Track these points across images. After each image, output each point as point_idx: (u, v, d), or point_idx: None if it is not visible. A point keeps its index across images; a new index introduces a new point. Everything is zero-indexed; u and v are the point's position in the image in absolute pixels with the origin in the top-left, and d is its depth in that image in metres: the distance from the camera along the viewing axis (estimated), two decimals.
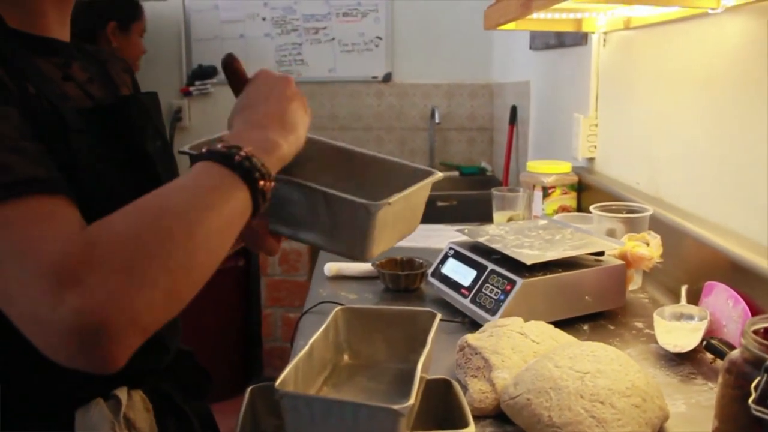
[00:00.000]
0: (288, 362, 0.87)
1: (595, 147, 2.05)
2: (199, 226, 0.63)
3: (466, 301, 1.31)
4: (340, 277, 1.61)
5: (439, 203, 2.86)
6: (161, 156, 0.93)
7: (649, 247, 1.38)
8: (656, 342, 1.18)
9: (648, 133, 1.69)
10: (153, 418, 0.87)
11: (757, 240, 1.22)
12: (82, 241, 0.60)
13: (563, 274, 1.26)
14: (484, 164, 3.63)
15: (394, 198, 0.81)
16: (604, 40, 1.97)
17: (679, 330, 1.15)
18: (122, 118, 0.87)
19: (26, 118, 0.71)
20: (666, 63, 1.59)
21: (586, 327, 1.29)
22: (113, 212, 0.63)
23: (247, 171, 0.68)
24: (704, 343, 1.12)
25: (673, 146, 1.56)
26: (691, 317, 1.17)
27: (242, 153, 0.68)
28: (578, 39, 2.17)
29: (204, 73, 3.58)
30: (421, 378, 0.83)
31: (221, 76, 3.61)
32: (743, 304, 1.12)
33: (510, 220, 1.81)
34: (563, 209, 1.93)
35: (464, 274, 1.36)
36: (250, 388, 0.96)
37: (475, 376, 1.01)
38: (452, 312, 1.35)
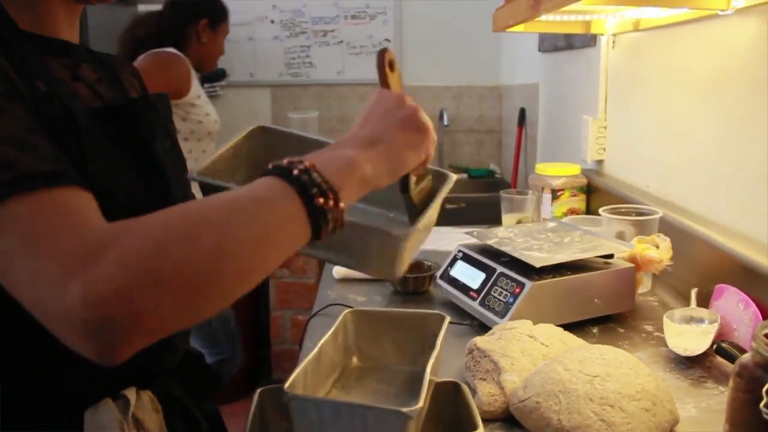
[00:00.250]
0: (297, 365, 0.87)
1: (604, 149, 2.05)
2: (231, 235, 0.59)
3: (475, 304, 1.30)
4: (348, 280, 1.61)
5: (448, 206, 2.86)
6: (170, 156, 0.93)
7: (658, 250, 1.37)
8: (666, 345, 1.17)
9: (657, 135, 1.69)
10: (162, 419, 0.87)
11: None
12: (103, 232, 0.59)
13: (572, 276, 1.26)
14: (492, 166, 3.62)
15: (422, 221, 0.80)
16: (613, 42, 1.97)
17: (689, 333, 1.15)
18: (131, 119, 0.87)
19: (35, 114, 0.71)
20: (675, 65, 1.59)
21: (595, 330, 1.28)
22: (123, 213, 0.62)
23: (303, 185, 0.63)
24: (715, 346, 1.11)
25: (682, 148, 1.56)
26: (701, 320, 1.16)
27: (302, 166, 0.64)
28: (587, 41, 2.17)
29: (213, 75, 3.59)
30: (430, 381, 0.83)
31: (230, 78, 3.68)
32: (754, 307, 1.11)
33: (519, 222, 1.81)
34: (572, 212, 1.93)
35: (473, 277, 1.36)
36: (258, 390, 0.96)
37: (484, 379, 1.01)
38: (461, 315, 1.35)
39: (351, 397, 0.93)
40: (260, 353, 3.33)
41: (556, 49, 2.57)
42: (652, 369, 1.05)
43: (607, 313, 1.31)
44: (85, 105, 0.83)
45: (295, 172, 0.64)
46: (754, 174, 1.26)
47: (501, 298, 1.25)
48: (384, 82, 0.84)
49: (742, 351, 1.06)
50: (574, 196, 1.94)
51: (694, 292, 1.25)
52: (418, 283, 1.51)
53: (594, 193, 1.97)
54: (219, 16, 2.48)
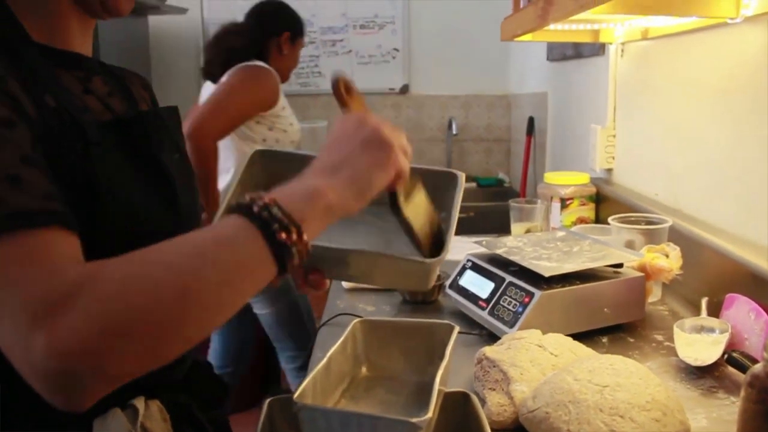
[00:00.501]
0: (306, 374, 0.87)
1: (613, 158, 2.04)
2: (195, 280, 0.60)
3: (484, 314, 1.30)
4: (357, 289, 1.61)
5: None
6: (178, 168, 0.93)
7: (668, 259, 1.37)
8: (676, 355, 1.17)
9: (667, 143, 1.68)
10: (170, 429, 0.87)
11: None
12: (70, 280, 0.59)
13: (582, 286, 1.25)
14: (501, 175, 3.62)
15: (448, 245, 0.82)
16: (622, 51, 1.97)
17: (699, 343, 1.14)
18: (140, 131, 0.88)
19: (36, 134, 0.71)
20: (685, 73, 1.59)
21: (605, 339, 1.28)
22: (131, 225, 0.63)
23: (264, 222, 0.63)
24: (726, 356, 1.10)
25: (692, 157, 1.55)
26: (711, 330, 1.16)
27: (261, 202, 0.64)
28: (596, 50, 2.17)
29: None
30: (439, 391, 0.83)
31: None
32: (765, 316, 1.11)
33: (528, 231, 1.81)
34: (581, 221, 1.92)
35: (482, 286, 1.35)
36: (268, 400, 0.96)
37: (494, 389, 1.00)
38: (470, 324, 1.35)
39: (360, 407, 0.93)
40: (270, 362, 3.32)
41: (564, 58, 2.57)
42: (663, 379, 1.04)
43: (617, 323, 1.30)
44: (95, 118, 0.84)
45: (255, 209, 0.64)
46: (763, 182, 1.25)
47: (510, 307, 1.25)
48: (344, 107, 0.84)
49: (754, 361, 1.05)
50: (583, 205, 1.94)
51: (704, 302, 1.24)
52: (427, 293, 1.51)
53: (603, 202, 1.96)
54: (299, 30, 2.57)
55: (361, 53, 3.61)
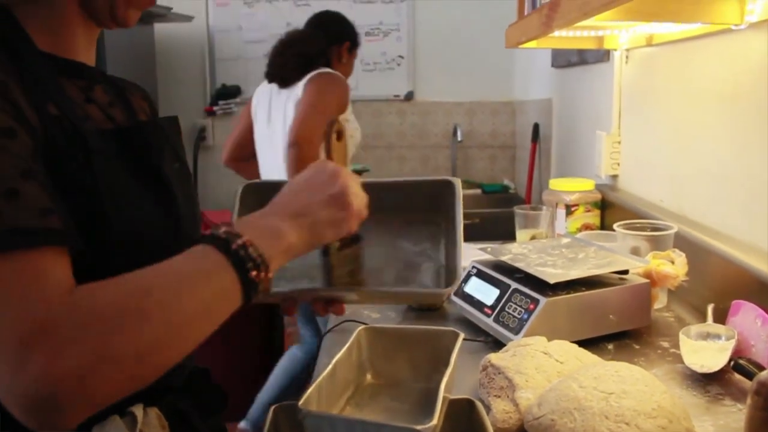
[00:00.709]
0: (311, 381, 0.87)
1: (618, 164, 2.04)
2: (177, 310, 0.65)
3: (489, 320, 1.30)
4: None
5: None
6: (178, 178, 0.94)
7: (674, 266, 1.36)
8: (682, 362, 1.16)
9: (672, 149, 1.68)
10: None
11: None
12: (60, 307, 0.61)
13: (587, 292, 1.25)
14: (506, 182, 3.62)
15: (459, 276, 0.88)
16: (627, 57, 1.97)
17: (705, 350, 1.14)
18: (140, 140, 0.89)
19: (37, 143, 0.72)
20: (690, 79, 1.58)
21: (610, 346, 1.27)
22: (133, 235, 0.66)
23: (240, 260, 0.69)
24: (732, 363, 1.10)
25: (697, 163, 1.55)
26: (718, 337, 1.15)
27: (240, 241, 0.69)
28: (600, 56, 2.17)
29: (228, 92, 3.62)
30: (444, 398, 0.83)
31: (245, 95, 3.71)
32: None
33: (533, 238, 1.81)
34: (586, 227, 1.92)
35: (487, 293, 1.35)
36: (273, 407, 0.96)
37: (499, 396, 1.00)
38: (475, 331, 1.34)
39: (365, 414, 0.93)
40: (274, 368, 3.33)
41: (569, 65, 2.58)
42: (669, 386, 1.04)
43: (623, 330, 1.30)
44: (96, 127, 0.85)
45: (234, 246, 0.69)
46: None
47: (515, 314, 1.25)
48: (328, 150, 0.90)
49: (760, 368, 1.04)
50: (589, 211, 1.94)
51: (710, 308, 1.24)
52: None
53: (608, 209, 1.96)
54: (357, 40, 2.68)
55: (366, 60, 3.61)
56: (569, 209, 1.92)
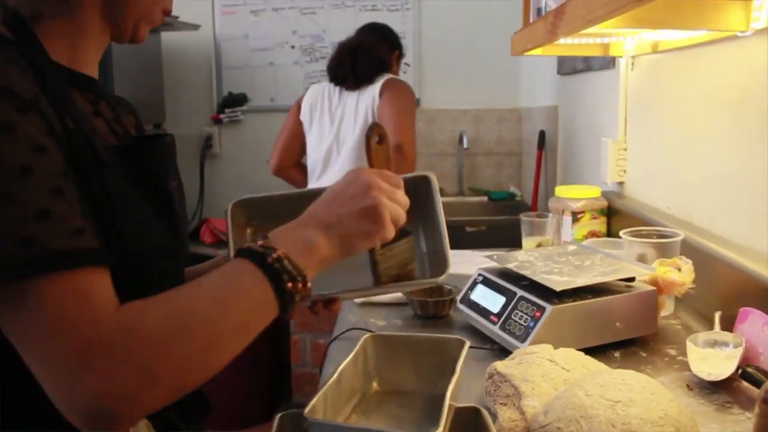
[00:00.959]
0: (317, 389, 0.87)
1: (625, 171, 2.04)
2: (218, 329, 0.70)
3: (495, 328, 1.30)
4: (368, 304, 1.61)
5: (468, 228, 2.85)
6: (178, 195, 0.97)
7: (680, 273, 1.36)
8: (690, 370, 1.16)
9: (678, 156, 1.68)
10: None
11: None
12: (112, 327, 0.65)
13: (593, 300, 1.25)
14: (513, 189, 3.62)
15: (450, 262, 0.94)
16: (632, 64, 1.97)
17: (713, 357, 1.13)
18: (148, 156, 0.90)
19: (66, 156, 0.73)
20: (695, 86, 1.58)
21: (617, 354, 1.27)
22: (148, 297, 0.69)
23: (276, 273, 0.73)
24: (740, 371, 1.09)
25: (704, 169, 1.55)
26: (725, 344, 1.15)
27: (275, 255, 0.74)
28: (606, 63, 2.17)
29: (234, 100, 3.63)
30: (450, 406, 0.83)
31: (251, 103, 3.73)
32: None
33: (539, 245, 1.80)
34: (593, 234, 1.91)
35: (493, 301, 1.35)
36: (279, 415, 0.96)
37: (505, 404, 1.00)
38: (481, 339, 1.34)
39: (371, 422, 0.93)
40: (281, 376, 3.32)
41: (575, 72, 2.58)
42: (676, 394, 1.03)
43: (629, 337, 1.30)
44: (104, 141, 0.86)
45: (269, 260, 0.73)
46: None
47: (521, 322, 1.25)
48: (369, 154, 0.93)
49: None
50: (595, 218, 1.93)
51: (717, 316, 1.23)
52: (438, 307, 1.51)
53: (615, 216, 1.96)
54: (403, 50, 2.83)
55: None
56: (575, 216, 1.91)
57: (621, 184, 2.07)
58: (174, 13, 3.10)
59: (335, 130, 2.61)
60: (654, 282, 1.34)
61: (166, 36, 3.46)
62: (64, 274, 0.66)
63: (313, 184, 2.63)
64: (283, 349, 3.28)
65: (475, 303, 1.40)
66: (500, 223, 2.87)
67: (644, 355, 1.27)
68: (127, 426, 0.66)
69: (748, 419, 1.01)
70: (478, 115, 3.68)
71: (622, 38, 1.83)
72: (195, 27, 3.39)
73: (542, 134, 3.11)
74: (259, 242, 0.75)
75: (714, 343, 1.16)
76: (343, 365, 0.93)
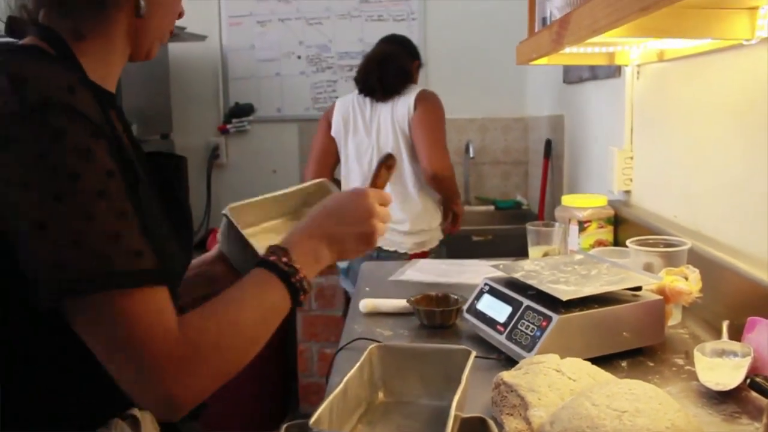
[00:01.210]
0: (323, 399, 0.87)
1: (631, 180, 2.03)
2: (259, 336, 0.88)
3: (502, 338, 1.30)
4: (375, 314, 1.61)
5: (475, 238, 2.85)
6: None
7: (687, 282, 1.35)
8: (697, 379, 1.15)
9: (685, 165, 1.68)
10: None
11: None
12: (180, 342, 0.77)
13: (600, 309, 1.25)
14: (519, 198, 3.61)
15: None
16: (638, 73, 1.97)
17: (721, 367, 1.13)
18: (176, 174, 0.99)
19: (123, 177, 0.79)
20: (701, 94, 1.58)
21: (624, 364, 1.27)
22: (198, 312, 0.82)
23: (296, 291, 0.91)
24: (748, 381, 1.09)
25: (710, 178, 1.54)
26: (733, 354, 1.14)
27: (298, 276, 0.91)
28: (611, 72, 2.17)
29: (241, 110, 3.65)
30: (456, 416, 0.83)
31: (258, 113, 3.75)
32: None
33: (546, 255, 1.80)
34: (599, 243, 1.91)
35: (499, 310, 1.35)
36: (284, 425, 0.96)
37: (511, 414, 1.00)
38: (488, 348, 1.34)
39: None
40: (288, 386, 3.32)
41: (580, 81, 2.58)
42: (683, 404, 1.03)
43: (636, 347, 1.29)
44: (132, 157, 0.90)
45: (293, 280, 0.90)
46: None
47: (528, 331, 1.24)
48: (375, 177, 1.10)
49: None
50: (602, 227, 1.93)
51: (725, 325, 1.23)
52: (444, 317, 1.51)
53: (621, 225, 1.95)
54: (421, 60, 2.88)
55: None
56: (582, 225, 1.91)
57: (627, 192, 2.06)
58: (181, 24, 3.14)
59: (374, 141, 2.65)
60: (661, 291, 1.34)
61: (174, 47, 3.48)
62: (135, 291, 0.75)
63: None
64: (290, 359, 3.28)
65: (481, 313, 1.40)
66: (507, 232, 2.87)
67: (651, 364, 1.27)
68: (185, 413, 0.79)
69: (756, 429, 1.01)
70: (484, 125, 3.68)
71: (627, 47, 1.83)
72: (202, 38, 3.41)
73: (548, 143, 3.11)
74: (283, 259, 0.90)
75: (722, 353, 1.15)
76: (349, 375, 0.93)
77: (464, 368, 0.93)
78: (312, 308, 3.17)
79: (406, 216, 2.59)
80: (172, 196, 0.96)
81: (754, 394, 1.08)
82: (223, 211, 1.16)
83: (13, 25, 0.90)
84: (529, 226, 1.86)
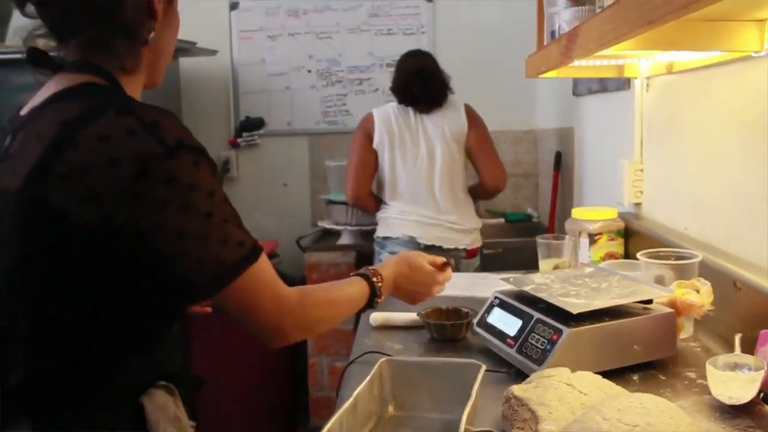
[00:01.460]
0: (333, 413, 0.87)
1: (642, 192, 2.03)
2: (342, 312, 1.19)
3: (512, 351, 1.29)
4: (385, 327, 1.61)
5: (485, 251, 2.84)
6: None
7: (699, 294, 1.35)
8: (710, 393, 1.14)
9: (695, 177, 1.67)
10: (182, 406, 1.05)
11: None
12: (297, 302, 1.04)
13: (611, 323, 1.24)
14: (529, 210, 3.61)
15: None
16: (647, 85, 1.97)
17: (734, 380, 1.12)
18: None
19: None
20: (711, 106, 1.58)
21: (635, 377, 1.26)
22: (313, 287, 1.16)
23: (374, 294, 1.26)
24: (762, 394, 1.08)
25: (721, 190, 1.54)
26: (746, 367, 1.13)
27: (378, 283, 1.27)
28: (621, 84, 2.17)
29: (251, 124, 3.67)
30: (466, 430, 0.83)
31: (268, 127, 3.76)
32: None
33: (556, 267, 1.80)
34: (610, 256, 1.90)
35: (510, 324, 1.34)
36: None
37: (522, 429, 0.99)
38: (498, 362, 1.34)
39: None
40: (298, 399, 3.32)
41: (590, 93, 2.58)
42: (695, 418, 1.02)
43: (648, 360, 1.28)
44: None
45: (375, 280, 1.27)
46: None
47: (538, 345, 1.24)
48: (443, 266, 1.44)
49: None
50: (612, 240, 1.92)
51: (737, 338, 1.22)
52: (455, 330, 1.51)
53: (632, 237, 1.95)
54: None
55: (388, 91, 3.61)
56: (592, 238, 1.90)
57: (638, 205, 2.06)
58: (192, 39, 3.17)
59: (423, 151, 2.69)
60: (672, 304, 1.33)
61: (185, 62, 3.50)
62: (259, 261, 0.97)
63: (417, 207, 2.68)
64: (301, 373, 3.27)
65: (491, 326, 1.40)
66: (517, 245, 2.86)
67: (663, 378, 1.26)
68: (285, 344, 1.06)
69: None
70: (494, 137, 3.63)
71: (636, 59, 1.83)
72: (213, 52, 3.43)
73: (558, 155, 3.11)
74: (376, 281, 1.27)
75: (735, 366, 1.14)
76: (359, 389, 0.94)
77: (474, 382, 0.93)
78: None
79: (460, 216, 2.70)
80: None
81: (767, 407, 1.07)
82: None
83: (36, 56, 0.99)
84: (540, 239, 1.86)
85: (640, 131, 2.02)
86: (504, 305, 1.41)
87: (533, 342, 1.26)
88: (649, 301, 1.31)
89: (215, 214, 0.92)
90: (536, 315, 1.30)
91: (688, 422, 0.89)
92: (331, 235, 3.26)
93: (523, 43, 2.46)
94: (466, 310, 1.55)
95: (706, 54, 1.50)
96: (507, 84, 3.58)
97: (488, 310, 1.44)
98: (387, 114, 2.75)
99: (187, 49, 3.16)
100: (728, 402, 1.11)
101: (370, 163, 2.75)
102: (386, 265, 1.34)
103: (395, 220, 2.68)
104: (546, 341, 1.23)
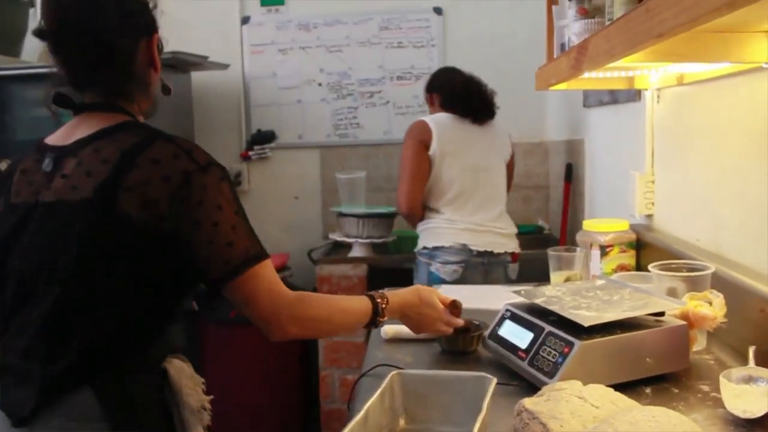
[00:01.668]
0: (344, 426, 0.87)
1: (653, 204, 2.02)
2: (341, 325, 1.35)
3: (524, 364, 1.29)
4: (397, 340, 1.61)
5: None
6: None
7: (711, 307, 1.34)
8: (724, 407, 1.14)
9: (707, 188, 1.67)
10: None
11: None
12: (291, 299, 1.19)
13: (623, 335, 1.23)
14: (541, 222, 3.60)
15: None
16: (658, 97, 1.96)
17: (748, 394, 1.11)
18: None
19: None
20: (722, 117, 1.58)
21: (648, 390, 1.25)
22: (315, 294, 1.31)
23: (376, 313, 1.35)
24: None
25: (733, 201, 1.53)
26: (761, 380, 1.12)
27: (383, 304, 1.36)
28: (631, 96, 2.17)
29: (263, 137, 3.69)
30: None
31: (280, 140, 3.77)
32: None
33: (567, 280, 1.79)
34: (622, 268, 1.90)
35: (521, 337, 1.34)
36: None
37: None
38: (509, 375, 1.33)
39: None
40: (309, 412, 3.31)
41: (600, 105, 2.58)
42: None
43: (660, 373, 1.28)
44: None
45: (378, 300, 1.36)
46: None
47: (550, 358, 1.24)
48: (453, 308, 1.48)
49: None
50: (624, 252, 1.92)
51: (751, 351, 1.21)
52: (466, 343, 1.50)
53: (644, 249, 1.94)
54: None
55: (399, 104, 3.66)
56: (604, 250, 1.90)
57: (649, 216, 2.05)
58: (204, 53, 3.19)
59: (478, 160, 2.73)
60: (684, 316, 1.32)
61: (196, 75, 3.53)
62: (266, 261, 1.17)
63: (466, 216, 2.69)
64: (312, 385, 3.27)
65: (503, 339, 1.39)
66: (529, 257, 2.85)
67: (676, 391, 1.25)
68: (283, 339, 1.22)
69: None
70: None
71: (646, 71, 1.83)
72: (224, 66, 3.46)
73: (569, 167, 3.10)
74: (381, 303, 1.36)
75: (749, 379, 1.13)
76: (370, 402, 0.94)
77: (485, 395, 0.93)
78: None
79: (505, 223, 2.78)
80: None
81: None
82: None
83: (62, 100, 1.23)
84: (551, 252, 1.85)
85: (651, 143, 2.02)
86: (515, 318, 1.40)
87: (545, 355, 1.25)
88: (662, 314, 1.30)
89: (240, 211, 1.19)
90: (547, 328, 1.29)
91: None
92: (342, 247, 3.27)
93: (532, 56, 2.46)
94: (478, 323, 1.55)
95: (716, 65, 1.50)
96: (517, 96, 3.58)
97: (499, 323, 1.44)
98: (444, 123, 2.73)
99: (198, 63, 3.19)
100: (742, 416, 1.10)
101: (425, 172, 2.70)
102: (398, 292, 1.42)
103: (444, 230, 2.66)
104: (557, 354, 1.23)
